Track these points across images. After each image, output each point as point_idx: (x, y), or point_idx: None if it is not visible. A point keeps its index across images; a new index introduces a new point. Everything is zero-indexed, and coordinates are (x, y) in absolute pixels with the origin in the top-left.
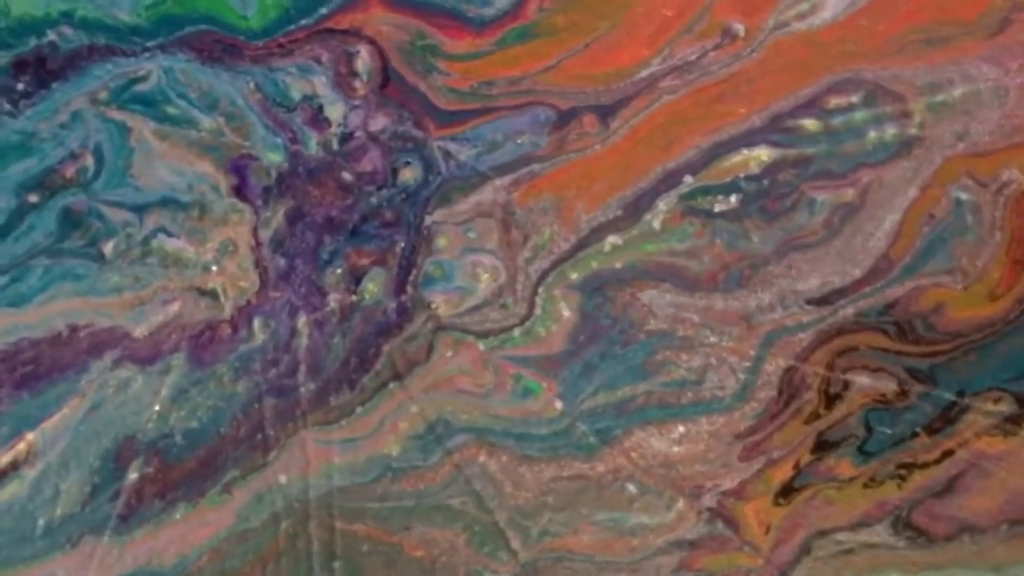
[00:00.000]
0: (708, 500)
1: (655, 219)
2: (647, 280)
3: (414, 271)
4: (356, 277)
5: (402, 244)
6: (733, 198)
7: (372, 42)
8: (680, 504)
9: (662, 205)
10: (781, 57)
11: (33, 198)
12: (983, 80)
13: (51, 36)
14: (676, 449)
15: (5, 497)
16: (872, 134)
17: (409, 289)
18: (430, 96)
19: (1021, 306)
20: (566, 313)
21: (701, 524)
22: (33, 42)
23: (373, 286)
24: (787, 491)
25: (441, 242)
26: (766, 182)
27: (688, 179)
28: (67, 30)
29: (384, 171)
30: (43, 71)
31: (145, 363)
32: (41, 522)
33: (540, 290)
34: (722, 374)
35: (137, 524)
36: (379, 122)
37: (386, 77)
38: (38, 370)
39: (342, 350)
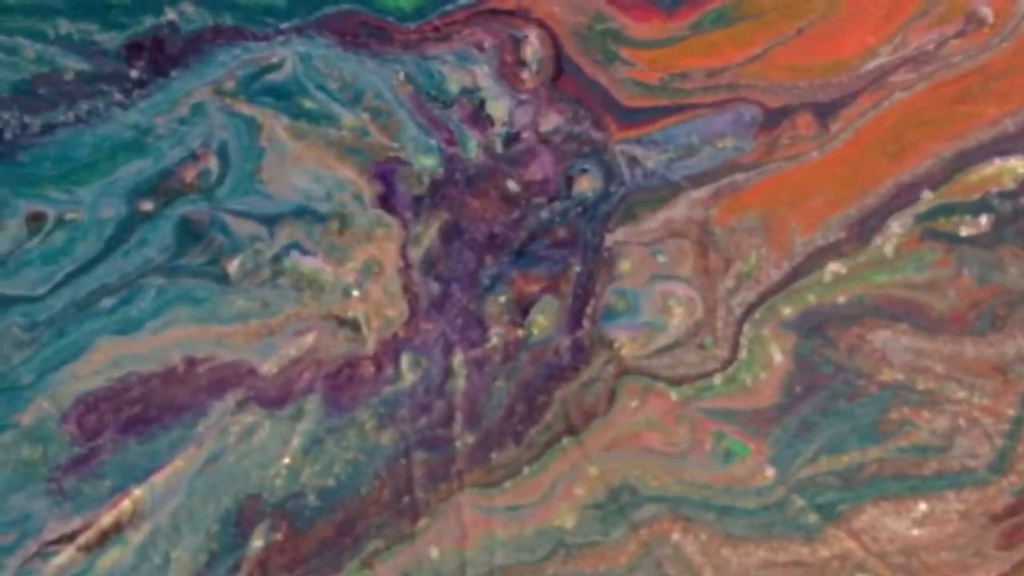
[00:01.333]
0: None
1: (887, 243)
2: (878, 319)
3: (592, 302)
4: (523, 307)
5: (578, 268)
6: (983, 219)
7: (543, 25)
8: None
9: (895, 227)
10: None
11: (147, 206)
12: None
13: (170, 15)
14: (917, 532)
15: (106, 565)
16: None
17: (586, 324)
18: (611, 90)
19: None
20: (778, 357)
21: None
22: (150, 22)
23: (543, 319)
24: None
25: (624, 267)
26: (1023, 200)
27: (927, 195)
28: (189, 8)
29: (556, 180)
30: (160, 56)
31: (273, 406)
32: None
33: (745, 328)
34: (974, 438)
35: None
36: (551, 121)
37: (559, 67)
38: (148, 411)
39: (505, 396)
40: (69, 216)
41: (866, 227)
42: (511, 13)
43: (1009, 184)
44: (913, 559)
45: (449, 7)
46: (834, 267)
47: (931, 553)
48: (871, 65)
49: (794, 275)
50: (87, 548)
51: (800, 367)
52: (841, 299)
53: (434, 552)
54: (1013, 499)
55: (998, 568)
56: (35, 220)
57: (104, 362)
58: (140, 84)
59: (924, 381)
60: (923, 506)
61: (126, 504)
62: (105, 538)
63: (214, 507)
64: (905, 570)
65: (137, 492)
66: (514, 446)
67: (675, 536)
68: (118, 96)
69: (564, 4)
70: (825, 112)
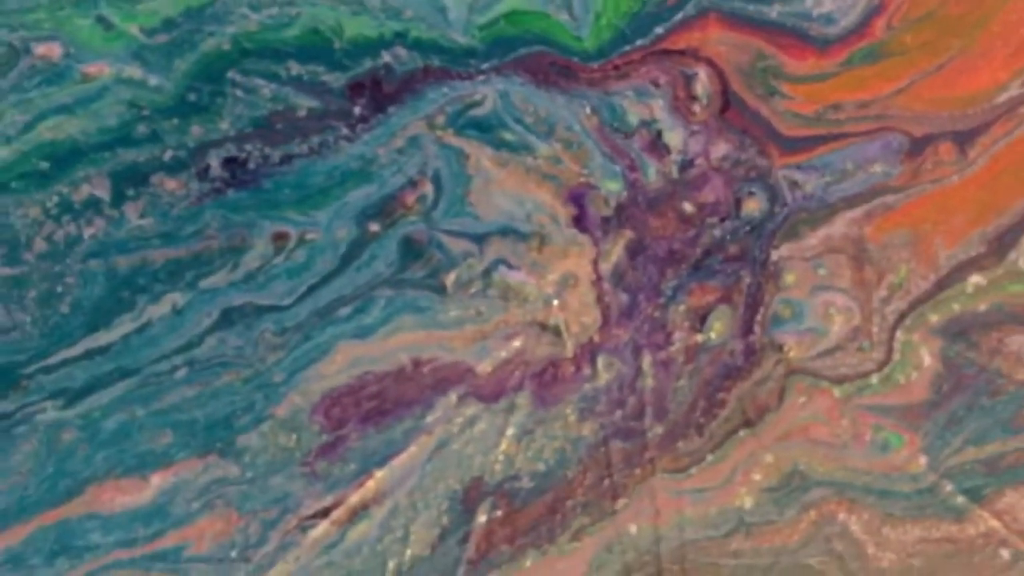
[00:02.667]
0: None
1: (1021, 258)
2: (1015, 325)
3: (761, 310)
4: (701, 315)
5: (748, 280)
6: None
7: (711, 63)
8: None
9: None
10: None
11: (374, 227)
12: None
13: (386, 58)
14: None
15: (355, 537)
16: None
17: (757, 329)
18: (773, 121)
19: None
20: (927, 360)
21: None
22: (368, 64)
23: (719, 325)
24: None
25: (789, 279)
26: None
27: None
28: (401, 51)
29: (727, 202)
30: (379, 94)
31: (489, 401)
32: (391, 565)
33: (898, 333)
34: None
35: (487, 569)
36: (720, 149)
37: (726, 101)
38: (383, 405)
39: (688, 393)
40: (309, 236)
41: (1003, 243)
42: (682, 53)
43: None
44: None
45: (627, 48)
46: (975, 279)
47: None
48: (1003, 97)
49: (940, 286)
50: (338, 522)
51: (947, 368)
52: (982, 307)
53: (632, 528)
54: None
55: None
56: (280, 239)
57: (344, 362)
58: (362, 119)
59: None
60: None
61: (370, 484)
62: (353, 514)
63: (443, 487)
64: None
65: (379, 474)
66: (697, 437)
67: (841, 516)
68: (344, 130)
69: (729, 44)
70: (963, 140)
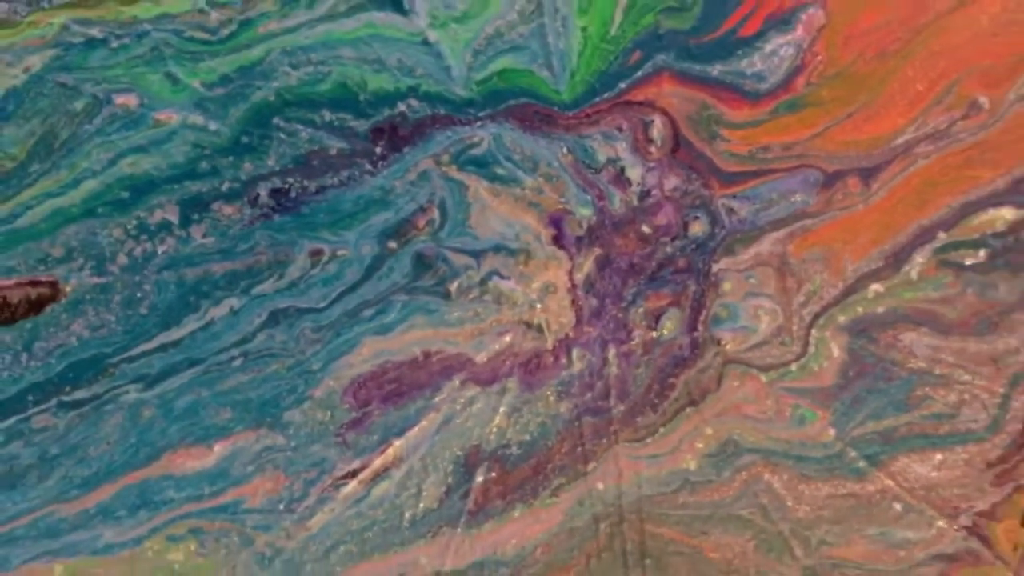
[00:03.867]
0: (964, 520)
1: (912, 270)
2: (907, 324)
3: (704, 311)
4: (655, 316)
5: (693, 288)
6: (982, 252)
7: (664, 112)
8: (940, 522)
9: (919, 258)
10: (1022, 127)
11: (392, 244)
12: None
13: (401, 107)
14: (935, 474)
15: (378, 493)
16: None
17: (700, 327)
18: (714, 160)
19: None
20: (836, 352)
21: (958, 540)
22: (387, 112)
23: (670, 324)
24: None
25: (726, 287)
26: (1011, 238)
27: (941, 235)
28: (414, 102)
29: (677, 224)
30: (396, 137)
31: (485, 384)
32: (407, 515)
33: (813, 331)
34: (975, 409)
35: (484, 519)
36: (671, 182)
37: (677, 143)
38: (400, 388)
39: (645, 378)
40: (339, 252)
41: (898, 258)
42: (641, 104)
43: (1000, 227)
44: (932, 493)
45: (596, 100)
46: (875, 287)
47: (945, 489)
48: (900, 140)
49: (846, 293)
50: (365, 482)
51: (851, 358)
52: (880, 309)
53: (600, 486)
54: (1002, 451)
55: (992, 499)
56: (316, 255)
57: (369, 354)
58: (383, 158)
59: (939, 368)
60: (939, 456)
61: (390, 452)
62: (376, 475)
63: (449, 454)
64: (926, 500)
65: (397, 443)
66: (652, 414)
67: (766, 476)
68: (367, 167)
69: (679, 97)
70: (867, 175)
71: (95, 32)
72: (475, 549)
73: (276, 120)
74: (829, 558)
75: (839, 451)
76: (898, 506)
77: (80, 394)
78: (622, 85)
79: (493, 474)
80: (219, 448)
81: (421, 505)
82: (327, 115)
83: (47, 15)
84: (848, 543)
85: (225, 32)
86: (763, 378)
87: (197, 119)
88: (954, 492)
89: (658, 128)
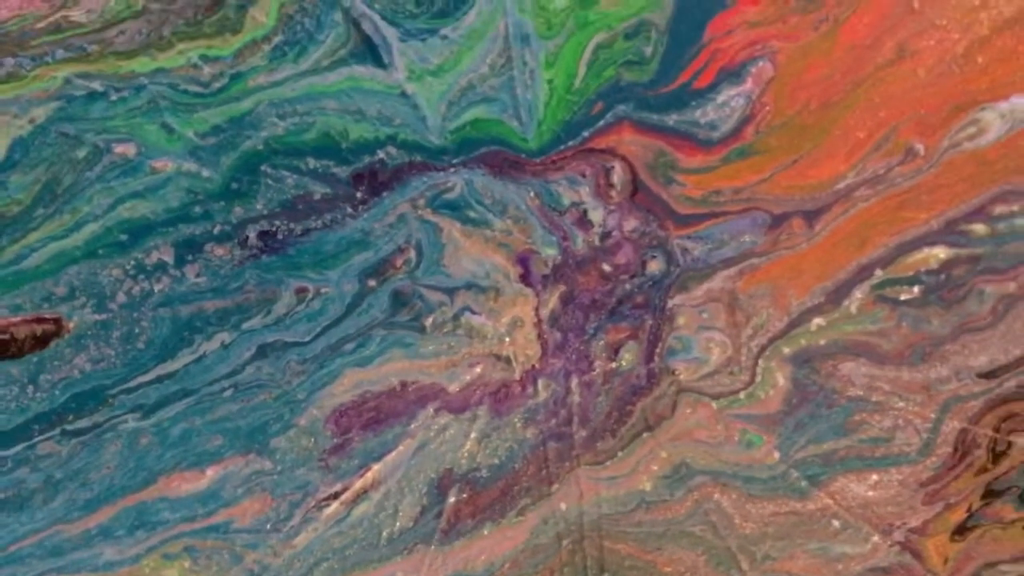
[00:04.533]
0: (898, 535)
1: (852, 305)
2: (846, 355)
3: (660, 344)
4: (615, 348)
5: (650, 322)
6: (916, 289)
7: (624, 159)
8: (875, 538)
9: (858, 294)
10: (954, 172)
11: (372, 283)
12: None
13: (380, 155)
14: (871, 493)
15: (358, 513)
16: None
17: (656, 358)
18: (670, 203)
19: None
20: (781, 380)
21: (892, 554)
22: (367, 159)
23: (629, 355)
24: (961, 530)
25: (681, 321)
26: (943, 276)
27: (879, 273)
28: (392, 150)
29: (635, 263)
30: (375, 182)
31: (458, 412)
32: (385, 533)
33: (760, 362)
34: (908, 433)
35: (455, 537)
36: (631, 223)
37: (635, 187)
38: (379, 416)
39: (605, 406)
40: (323, 290)
41: (839, 294)
42: (603, 151)
43: (934, 265)
44: (868, 511)
45: (561, 147)
46: (817, 320)
47: (880, 507)
48: (842, 185)
49: (791, 326)
50: (346, 503)
51: (795, 387)
52: (822, 341)
53: (563, 505)
54: (933, 472)
55: (924, 516)
56: (301, 292)
57: (350, 385)
58: (363, 202)
59: (876, 395)
60: (875, 477)
61: (369, 475)
62: (357, 496)
63: (423, 477)
64: (863, 518)
65: (375, 467)
66: (611, 439)
67: (716, 496)
68: (349, 210)
69: (638, 145)
70: (811, 217)
71: (96, 85)
72: (447, 564)
73: (264, 167)
74: (773, 571)
75: (783, 472)
76: (837, 523)
77: (82, 423)
78: (585, 133)
79: (464, 495)
80: (211, 472)
81: (398, 524)
82: (311, 162)
83: (51, 69)
84: (791, 557)
85: (216, 85)
86: (714, 405)
87: (191, 166)
88: (888, 510)
89: (618, 174)
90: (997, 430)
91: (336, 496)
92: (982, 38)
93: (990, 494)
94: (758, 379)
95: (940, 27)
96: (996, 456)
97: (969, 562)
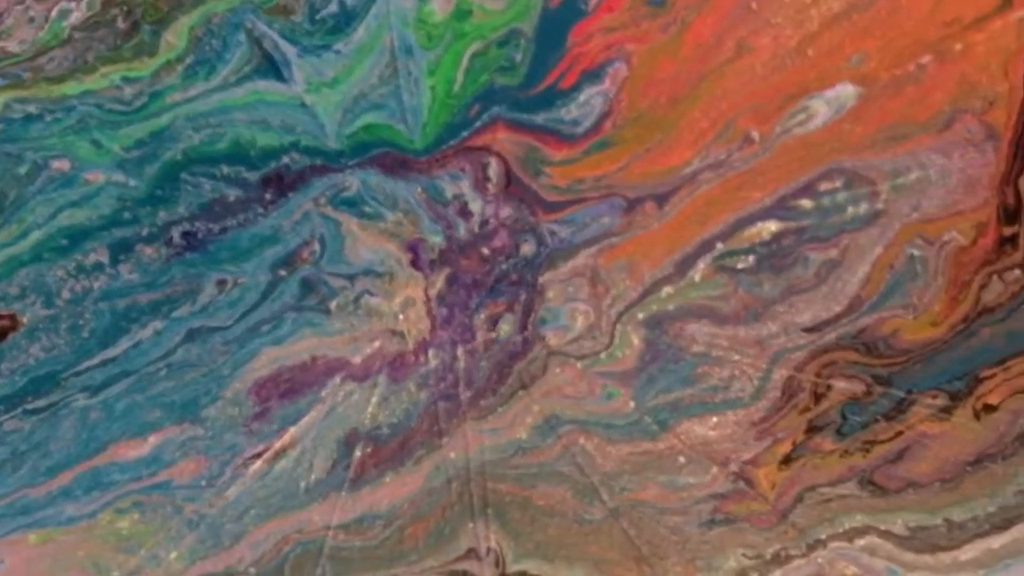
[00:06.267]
0: (733, 467)
1: (696, 274)
2: (691, 318)
3: (532, 315)
4: (494, 320)
5: (524, 296)
6: (751, 258)
7: (499, 155)
8: (714, 469)
9: (701, 264)
10: (786, 154)
11: (282, 272)
12: (933, 166)
13: (285, 160)
14: (711, 433)
15: (279, 468)
16: (850, 209)
17: (529, 327)
18: (540, 192)
19: (955, 330)
20: (635, 342)
21: (728, 483)
22: (274, 164)
23: (506, 326)
24: (787, 460)
25: (550, 294)
26: (774, 246)
27: (719, 246)
28: (295, 155)
29: (510, 246)
30: (282, 184)
31: (361, 380)
32: (302, 484)
33: (617, 326)
34: (743, 381)
35: (362, 485)
36: (505, 212)
37: (509, 180)
38: (294, 386)
39: (487, 370)
40: (240, 280)
41: (685, 265)
42: (480, 148)
43: (766, 237)
44: (709, 447)
45: (444, 147)
46: (667, 289)
47: (719, 444)
48: (688, 170)
49: (644, 295)
50: (268, 460)
51: (648, 346)
52: (671, 307)
53: (452, 455)
54: (764, 414)
55: (755, 450)
56: (221, 284)
57: (267, 361)
58: (272, 202)
59: (716, 351)
60: (715, 419)
61: (286, 436)
62: (277, 455)
63: (333, 436)
64: (704, 453)
65: (292, 430)
66: (492, 397)
67: (581, 440)
68: (260, 210)
69: (511, 142)
70: (661, 200)
71: (32, 108)
72: (356, 507)
73: (184, 175)
74: (629, 500)
75: (637, 419)
76: (682, 459)
77: (40, 403)
78: (464, 133)
79: (368, 450)
80: (152, 439)
81: (313, 476)
82: (225, 169)
83: None
84: (644, 488)
85: (138, 103)
86: (579, 365)
87: (119, 177)
88: (726, 446)
89: (494, 168)
90: (819, 375)
91: (260, 455)
92: (812, 33)
93: (812, 430)
94: (616, 341)
95: (775, 25)
96: (817, 398)
97: (793, 486)
